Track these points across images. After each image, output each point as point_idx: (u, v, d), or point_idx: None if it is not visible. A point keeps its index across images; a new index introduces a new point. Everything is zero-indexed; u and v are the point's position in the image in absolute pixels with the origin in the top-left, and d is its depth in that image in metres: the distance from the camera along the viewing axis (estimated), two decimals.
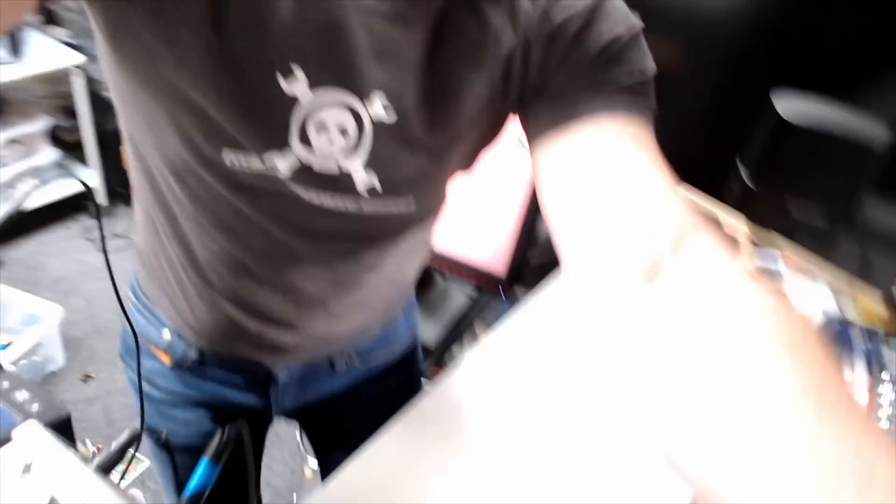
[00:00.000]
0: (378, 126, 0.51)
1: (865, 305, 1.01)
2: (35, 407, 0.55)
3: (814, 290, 0.89)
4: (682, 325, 0.41)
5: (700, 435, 0.37)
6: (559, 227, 0.50)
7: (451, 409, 0.86)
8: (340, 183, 0.54)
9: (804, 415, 0.34)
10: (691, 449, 0.38)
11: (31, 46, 2.21)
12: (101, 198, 2.55)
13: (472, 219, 1.23)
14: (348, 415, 0.90)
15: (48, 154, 2.42)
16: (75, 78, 2.25)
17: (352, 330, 0.79)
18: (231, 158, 0.52)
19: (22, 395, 0.56)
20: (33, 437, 0.50)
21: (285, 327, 0.71)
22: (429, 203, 0.61)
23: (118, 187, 2.52)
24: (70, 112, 2.40)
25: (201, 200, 0.58)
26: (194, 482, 0.70)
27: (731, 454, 0.35)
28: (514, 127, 0.58)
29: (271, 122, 0.50)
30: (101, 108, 2.29)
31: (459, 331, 1.39)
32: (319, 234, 0.59)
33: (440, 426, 0.83)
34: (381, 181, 0.54)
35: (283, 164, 0.52)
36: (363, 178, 0.54)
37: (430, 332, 1.35)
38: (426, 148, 0.54)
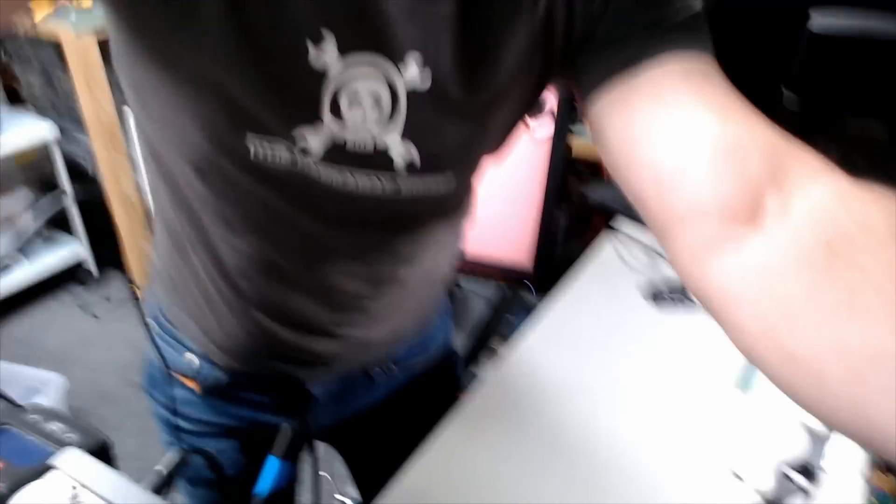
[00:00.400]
0: (414, 92, 0.48)
1: None
2: (72, 437, 0.50)
3: None
4: (808, 273, 0.35)
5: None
6: (636, 183, 0.46)
7: (493, 416, 0.81)
8: (376, 160, 0.50)
9: None
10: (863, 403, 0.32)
11: (3, 123, 2.19)
12: (91, 266, 2.51)
13: (491, 216, 1.20)
14: (386, 428, 0.85)
15: (31, 227, 2.39)
16: (53, 150, 2.26)
17: (390, 334, 0.73)
18: (256, 146, 0.49)
19: (55, 426, 0.51)
20: (77, 463, 0.46)
21: (321, 335, 0.67)
22: (466, 180, 0.58)
23: (105, 251, 2.48)
24: (51, 185, 2.38)
25: (227, 196, 0.54)
26: (267, 483, 0.63)
27: None
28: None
29: (301, 94, 0.46)
30: (81, 178, 2.27)
31: (486, 336, 1.34)
32: (354, 222, 0.56)
33: (483, 437, 0.79)
34: (420, 153, 0.50)
35: (315, 142, 0.48)
36: (401, 151, 0.50)
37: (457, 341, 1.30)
38: (466, 114, 0.50)
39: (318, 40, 0.44)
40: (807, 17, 0.84)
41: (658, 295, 0.97)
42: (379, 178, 0.51)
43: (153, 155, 0.57)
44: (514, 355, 0.90)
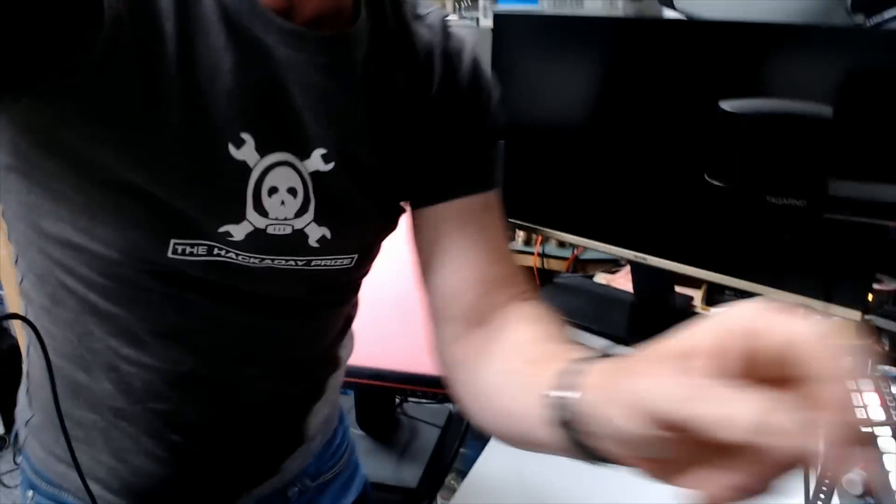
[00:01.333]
0: (323, 180, 0.54)
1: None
2: None
3: None
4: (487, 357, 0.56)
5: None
6: (426, 284, 0.62)
7: None
8: (293, 242, 0.55)
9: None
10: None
11: None
12: None
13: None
14: None
15: None
16: None
17: (307, 443, 0.72)
18: (178, 248, 0.51)
19: None
20: None
21: (244, 449, 0.65)
22: (367, 257, 0.64)
23: None
24: None
25: (136, 311, 0.54)
26: None
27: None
28: None
29: (226, 193, 0.51)
30: None
31: (440, 471, 1.25)
32: (270, 304, 0.58)
33: None
34: (331, 232, 0.57)
35: (238, 234, 0.52)
36: (314, 232, 0.56)
37: (410, 474, 1.21)
38: (369, 195, 0.58)
39: (239, 143, 0.49)
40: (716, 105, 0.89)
41: None
42: (294, 258, 0.56)
43: (40, 281, 0.55)
44: (471, 490, 0.84)
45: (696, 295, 1.24)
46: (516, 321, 0.57)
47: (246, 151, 0.49)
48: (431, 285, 0.61)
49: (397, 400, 1.27)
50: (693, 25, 1.08)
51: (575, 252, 1.41)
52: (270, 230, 0.53)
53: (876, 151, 0.83)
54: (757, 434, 0.26)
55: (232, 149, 0.49)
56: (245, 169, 0.50)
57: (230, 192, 0.50)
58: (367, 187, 0.57)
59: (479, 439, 1.20)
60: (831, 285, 0.90)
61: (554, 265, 1.43)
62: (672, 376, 0.30)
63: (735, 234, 0.96)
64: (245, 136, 0.49)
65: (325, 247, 0.57)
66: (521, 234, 1.47)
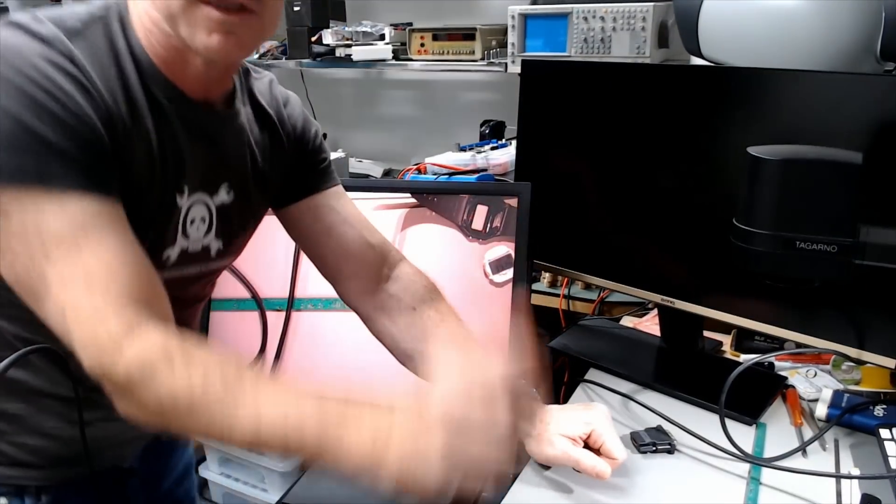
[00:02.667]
0: (225, 207, 0.78)
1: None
2: None
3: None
4: (406, 309, 0.89)
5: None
6: (322, 254, 0.91)
7: None
8: (202, 255, 0.78)
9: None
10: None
11: None
12: None
13: None
14: None
15: None
16: None
17: None
18: None
19: None
20: None
21: None
22: (240, 251, 0.89)
23: None
24: None
25: None
26: None
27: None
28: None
29: (168, 226, 0.72)
30: None
31: None
32: (181, 300, 0.76)
33: None
34: (224, 244, 0.80)
35: (173, 254, 0.74)
36: (215, 245, 0.79)
37: None
38: (251, 212, 0.85)
39: (182, 191, 0.72)
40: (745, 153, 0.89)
41: (640, 443, 0.91)
42: (202, 266, 0.79)
43: None
44: None
45: (726, 340, 1.22)
46: (420, 300, 0.88)
47: (183, 197, 0.72)
48: (324, 254, 0.90)
49: None
50: (720, 72, 1.09)
51: (601, 294, 1.41)
52: (190, 249, 0.75)
53: None
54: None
55: (177, 195, 0.71)
56: (179, 206, 0.72)
57: (170, 224, 0.71)
58: (250, 206, 0.82)
59: (501, 482, 1.18)
60: (864, 332, 0.88)
61: (580, 307, 1.42)
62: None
63: (765, 279, 0.95)
64: (184, 184, 0.71)
65: (219, 255, 0.80)
66: (546, 276, 1.47)
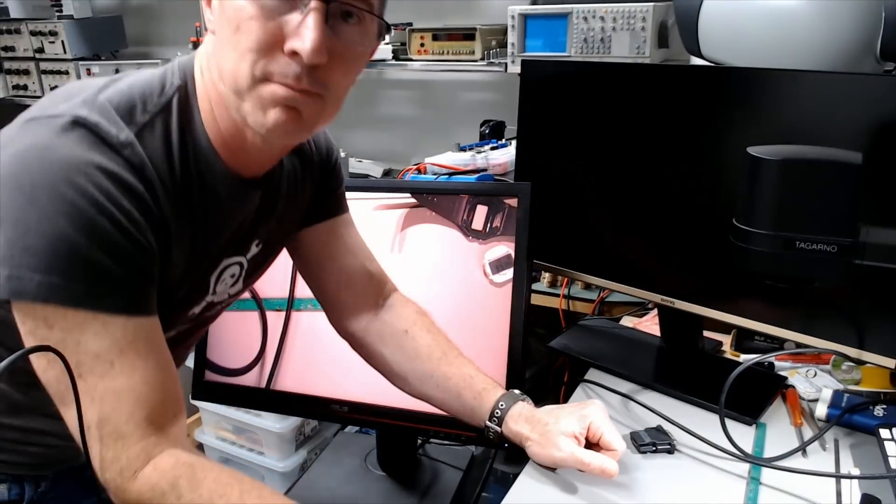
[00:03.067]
0: (254, 258, 0.83)
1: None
2: None
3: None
4: (399, 332, 0.95)
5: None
6: (323, 282, 0.95)
7: None
8: (223, 302, 0.83)
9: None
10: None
11: None
12: None
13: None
14: None
15: None
16: None
17: None
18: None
19: None
20: None
21: None
22: None
23: None
24: None
25: None
26: None
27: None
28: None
29: (201, 295, 0.77)
30: None
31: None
32: (195, 332, 0.85)
33: None
34: (243, 285, 0.85)
35: (198, 309, 0.78)
36: (237, 289, 0.84)
37: None
38: (278, 248, 0.89)
39: (217, 266, 0.77)
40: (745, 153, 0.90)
41: (640, 443, 0.91)
42: (220, 307, 0.84)
43: None
44: None
45: (726, 340, 1.22)
46: (412, 323, 0.94)
47: (218, 268, 0.76)
48: (325, 281, 0.93)
49: (419, 441, 1.26)
50: (720, 72, 1.09)
51: (601, 294, 1.41)
52: (216, 301, 0.80)
53: None
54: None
55: (212, 271, 0.76)
56: (217, 277, 0.77)
57: (205, 285, 0.76)
58: (275, 249, 0.88)
59: (501, 483, 1.19)
60: (864, 332, 0.88)
61: (580, 307, 1.42)
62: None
63: (765, 279, 0.95)
64: (224, 259, 0.77)
65: (237, 294, 0.85)
66: (546, 276, 1.47)
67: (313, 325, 1.15)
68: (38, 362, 0.61)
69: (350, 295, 0.94)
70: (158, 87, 0.67)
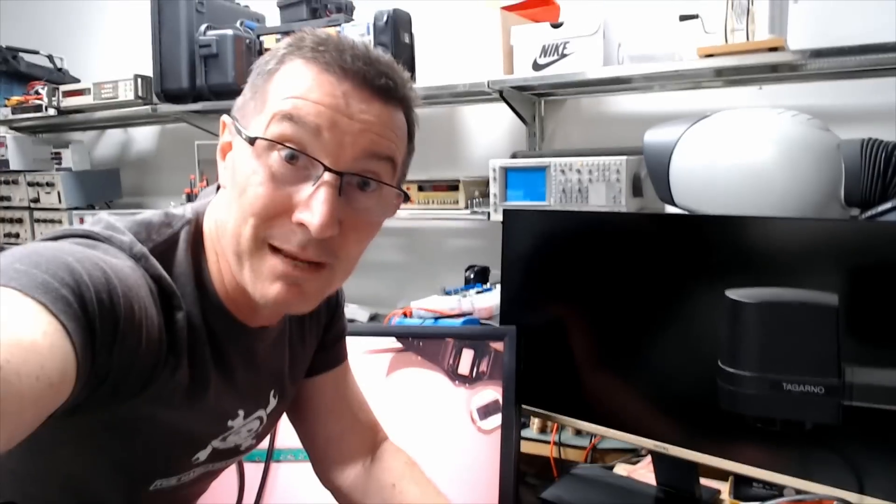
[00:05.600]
0: (273, 411, 0.80)
1: None
2: None
3: None
4: (386, 487, 0.88)
5: None
6: (312, 435, 0.90)
7: None
8: (232, 451, 0.77)
9: None
10: None
11: None
12: None
13: None
14: None
15: None
16: None
17: None
18: (158, 484, 0.70)
19: None
20: None
21: None
22: None
23: None
24: None
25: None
26: None
27: None
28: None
29: (208, 435, 0.71)
30: None
31: None
32: (198, 485, 0.79)
33: None
34: (258, 435, 0.80)
35: (203, 456, 0.72)
36: (248, 442, 0.79)
37: None
38: (290, 397, 0.85)
39: (235, 417, 0.72)
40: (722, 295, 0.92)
41: None
42: (228, 460, 0.78)
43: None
44: None
45: (724, 487, 1.17)
46: (400, 477, 0.88)
47: (238, 420, 0.72)
48: (315, 433, 0.90)
49: None
50: (693, 220, 1.14)
51: (593, 441, 1.37)
52: (224, 448, 0.74)
53: (888, 338, 0.84)
54: None
55: (230, 421, 0.72)
56: (230, 427, 0.72)
57: (212, 434, 0.72)
58: (287, 398, 0.83)
59: None
60: (862, 475, 0.86)
61: (571, 454, 1.38)
62: None
63: (755, 421, 0.93)
64: (240, 411, 0.72)
65: (249, 448, 0.80)
66: (535, 422, 1.44)
67: (293, 478, 1.10)
68: None
69: (342, 448, 0.90)
70: (165, 220, 0.65)
